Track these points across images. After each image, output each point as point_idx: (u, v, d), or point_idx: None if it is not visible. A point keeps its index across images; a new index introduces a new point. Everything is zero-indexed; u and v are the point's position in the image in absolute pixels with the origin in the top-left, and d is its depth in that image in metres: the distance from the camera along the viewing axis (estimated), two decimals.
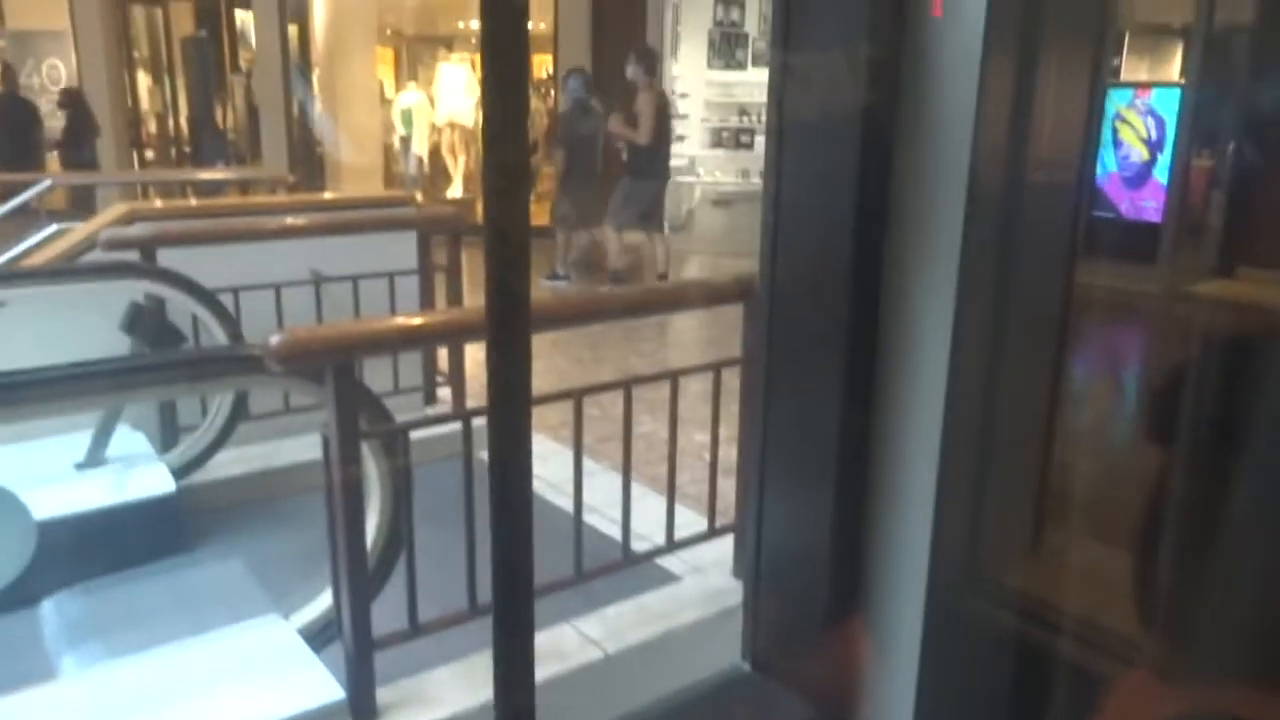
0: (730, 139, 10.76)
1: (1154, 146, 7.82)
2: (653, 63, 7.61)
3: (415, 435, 2.35)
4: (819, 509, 1.35)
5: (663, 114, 7.46)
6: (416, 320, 2.67)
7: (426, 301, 4.17)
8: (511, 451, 0.68)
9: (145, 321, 3.41)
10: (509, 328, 0.65)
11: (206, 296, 3.49)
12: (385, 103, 12.47)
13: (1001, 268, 1.25)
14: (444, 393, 4.34)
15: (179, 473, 3.52)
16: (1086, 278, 1.38)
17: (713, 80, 10.65)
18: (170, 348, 3.38)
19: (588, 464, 2.74)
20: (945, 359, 1.22)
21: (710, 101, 10.71)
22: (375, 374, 3.64)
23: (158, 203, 6.32)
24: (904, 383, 1.26)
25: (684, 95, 10.62)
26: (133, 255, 3.58)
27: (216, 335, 3.52)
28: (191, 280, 3.45)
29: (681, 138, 10.70)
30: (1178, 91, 7.36)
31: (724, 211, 10.81)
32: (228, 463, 3.74)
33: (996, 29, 1.12)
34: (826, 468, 1.32)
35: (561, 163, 8.09)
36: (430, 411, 4.19)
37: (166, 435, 3.77)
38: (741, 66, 10.57)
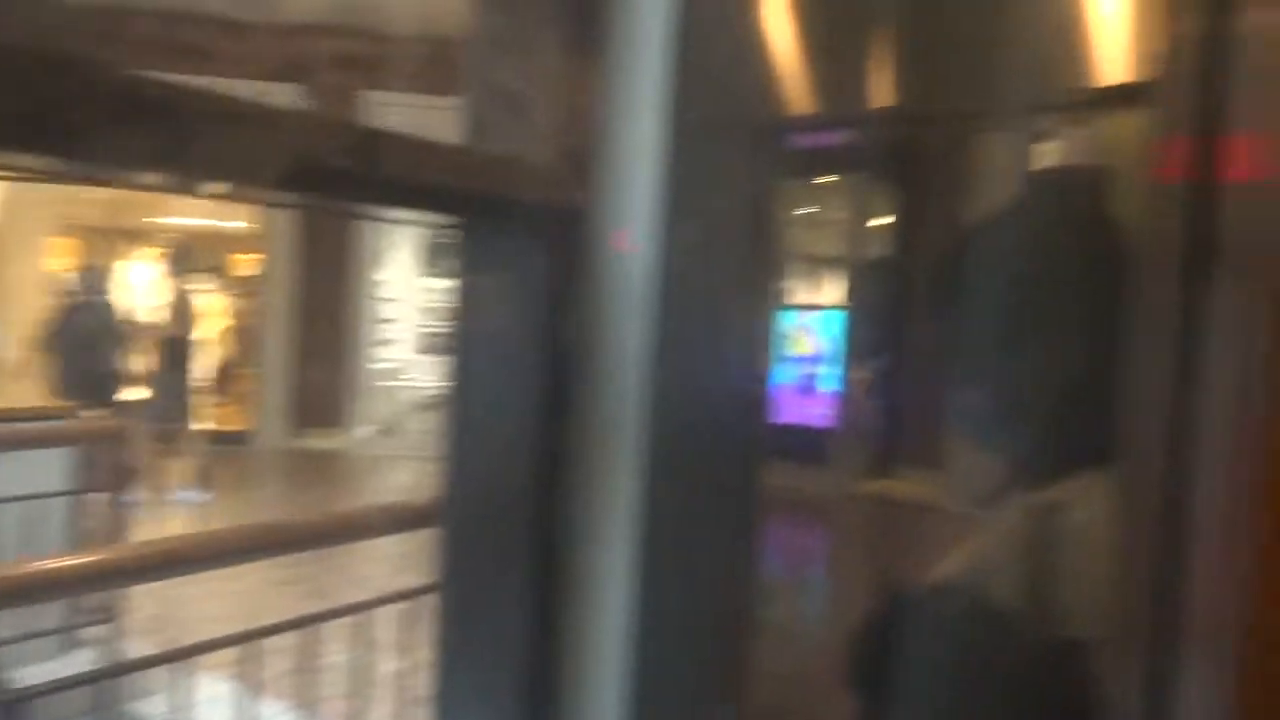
0: (440, 344, 10.84)
1: (817, 361, 8.86)
2: (175, 265, 8.04)
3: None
4: None
5: (177, 314, 7.87)
6: (47, 566, 2.28)
7: (81, 531, 3.67)
8: None
9: None
10: None
11: None
12: None
13: (688, 481, 1.27)
14: (97, 631, 3.75)
15: None
16: (774, 480, 1.45)
17: (425, 287, 10.79)
18: None
19: (269, 705, 2.44)
20: (630, 578, 1.21)
21: (422, 308, 10.80)
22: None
23: None
24: (588, 607, 1.23)
25: (392, 300, 10.64)
26: None
27: None
28: None
29: (388, 342, 10.63)
30: (840, 313, 8.45)
31: (432, 416, 10.72)
32: None
33: (674, 261, 1.19)
34: (518, 696, 1.25)
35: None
36: (72, 660, 3.57)
37: None
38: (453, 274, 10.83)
